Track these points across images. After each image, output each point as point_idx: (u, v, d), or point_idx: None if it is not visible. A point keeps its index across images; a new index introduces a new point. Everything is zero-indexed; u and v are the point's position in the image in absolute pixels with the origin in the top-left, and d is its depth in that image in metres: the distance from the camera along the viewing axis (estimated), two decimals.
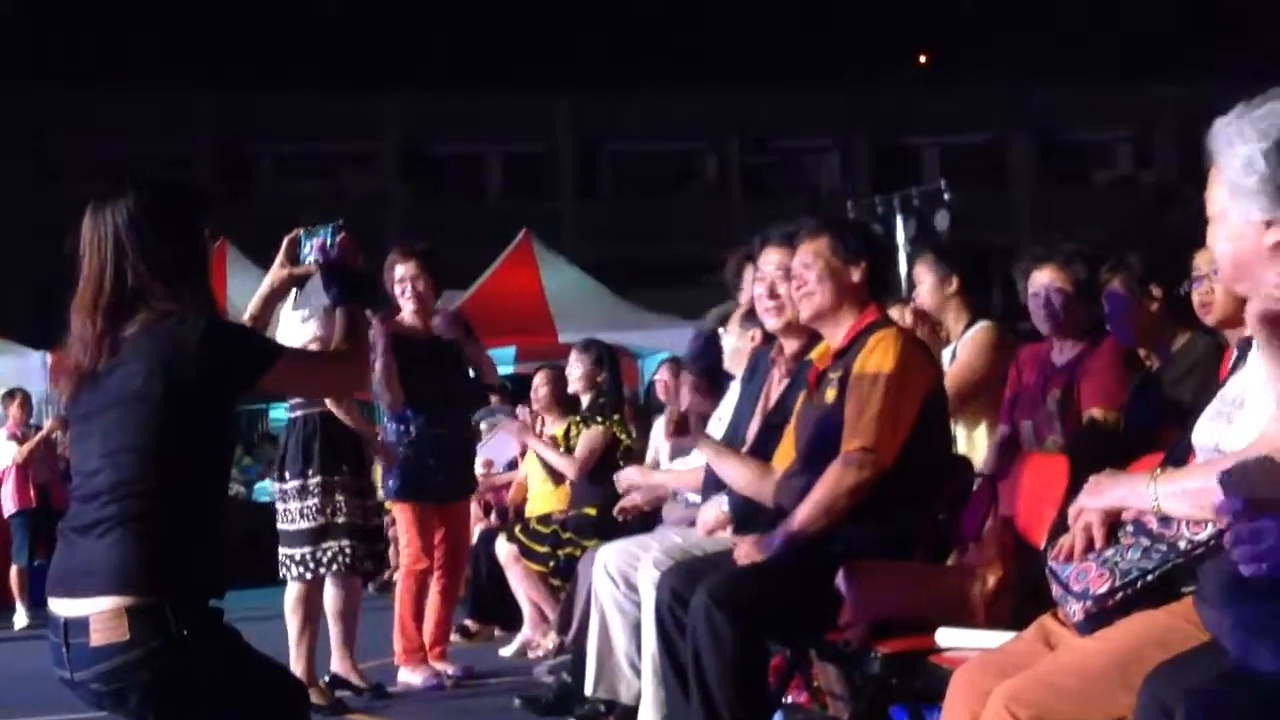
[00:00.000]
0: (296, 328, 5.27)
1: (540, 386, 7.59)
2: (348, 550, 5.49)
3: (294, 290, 3.07)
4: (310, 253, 2.94)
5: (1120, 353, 4.09)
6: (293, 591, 5.54)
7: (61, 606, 2.60)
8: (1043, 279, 4.19)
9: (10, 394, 9.82)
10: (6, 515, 9.85)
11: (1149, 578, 2.32)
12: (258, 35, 27.28)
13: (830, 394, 3.61)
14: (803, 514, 3.50)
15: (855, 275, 3.70)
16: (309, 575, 5.50)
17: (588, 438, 6.81)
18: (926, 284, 4.74)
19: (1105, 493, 2.42)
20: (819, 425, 3.63)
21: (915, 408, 3.52)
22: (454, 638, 7.37)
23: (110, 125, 25.84)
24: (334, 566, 5.51)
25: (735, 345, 4.80)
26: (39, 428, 10.11)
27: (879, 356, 3.53)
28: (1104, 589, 2.34)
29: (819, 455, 3.57)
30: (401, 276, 5.85)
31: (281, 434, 5.96)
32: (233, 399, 2.73)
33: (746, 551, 3.60)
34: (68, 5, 26.27)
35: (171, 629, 2.54)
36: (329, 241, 2.91)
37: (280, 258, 3.04)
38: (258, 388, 2.78)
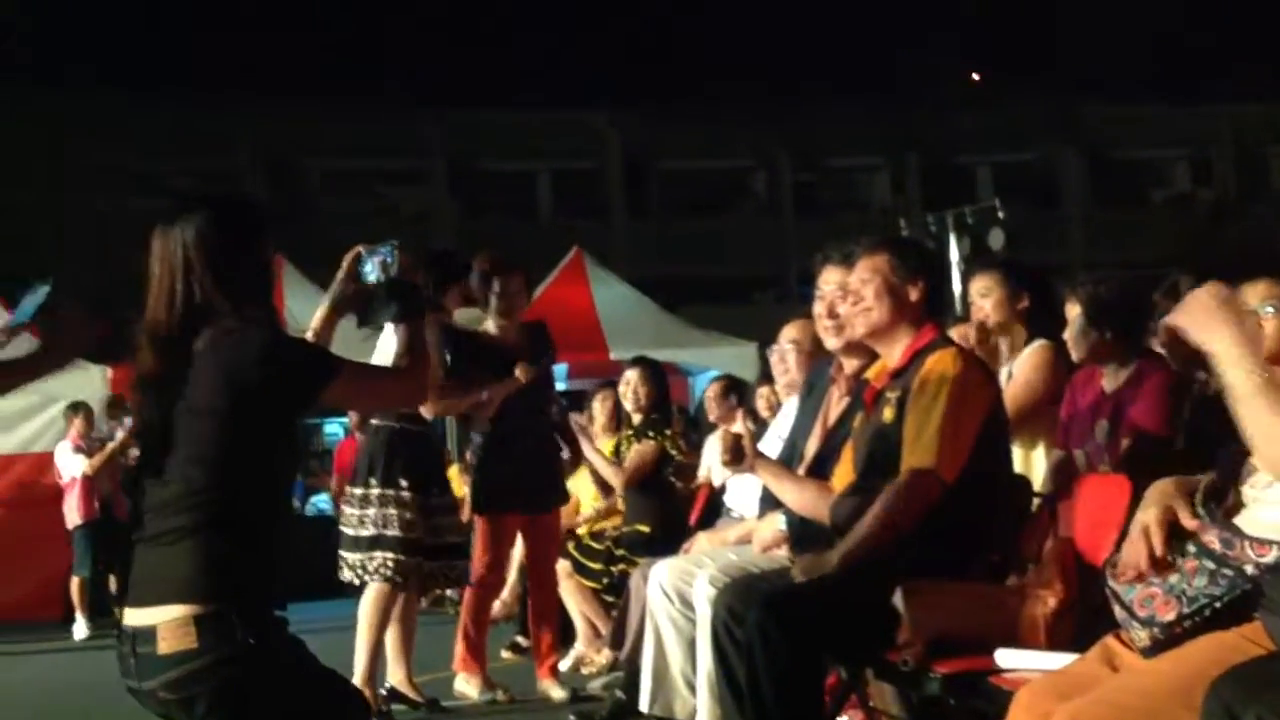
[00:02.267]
0: (358, 344, 5.33)
1: (600, 405, 7.63)
2: (390, 563, 5.52)
3: (356, 307, 3.12)
4: (372, 271, 2.99)
5: (1169, 378, 4.03)
6: (367, 594, 5.60)
7: (130, 616, 2.65)
8: (1075, 304, 4.18)
9: (74, 407, 9.96)
10: (70, 527, 9.97)
11: (1217, 605, 2.30)
12: (310, 52, 27.54)
13: (888, 413, 3.60)
14: (860, 533, 3.49)
15: (914, 293, 3.69)
16: (357, 581, 5.57)
17: (638, 451, 6.83)
18: (995, 298, 4.67)
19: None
20: (876, 444, 3.62)
21: (975, 427, 3.50)
22: (504, 653, 7.40)
23: (163, 141, 26.15)
24: (378, 575, 5.56)
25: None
26: (101, 440, 10.24)
27: (938, 376, 3.51)
28: (1171, 617, 2.32)
29: (877, 474, 3.56)
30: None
31: (334, 448, 6.05)
32: (296, 411, 2.78)
33: (804, 570, 3.59)
34: (122, 19, 26.59)
35: (238, 637, 2.59)
36: (389, 259, 2.97)
37: (342, 275, 3.11)
38: (320, 401, 2.82)
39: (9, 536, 10.56)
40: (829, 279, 4.11)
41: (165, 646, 2.58)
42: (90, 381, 10.77)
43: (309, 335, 3.19)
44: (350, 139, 26.68)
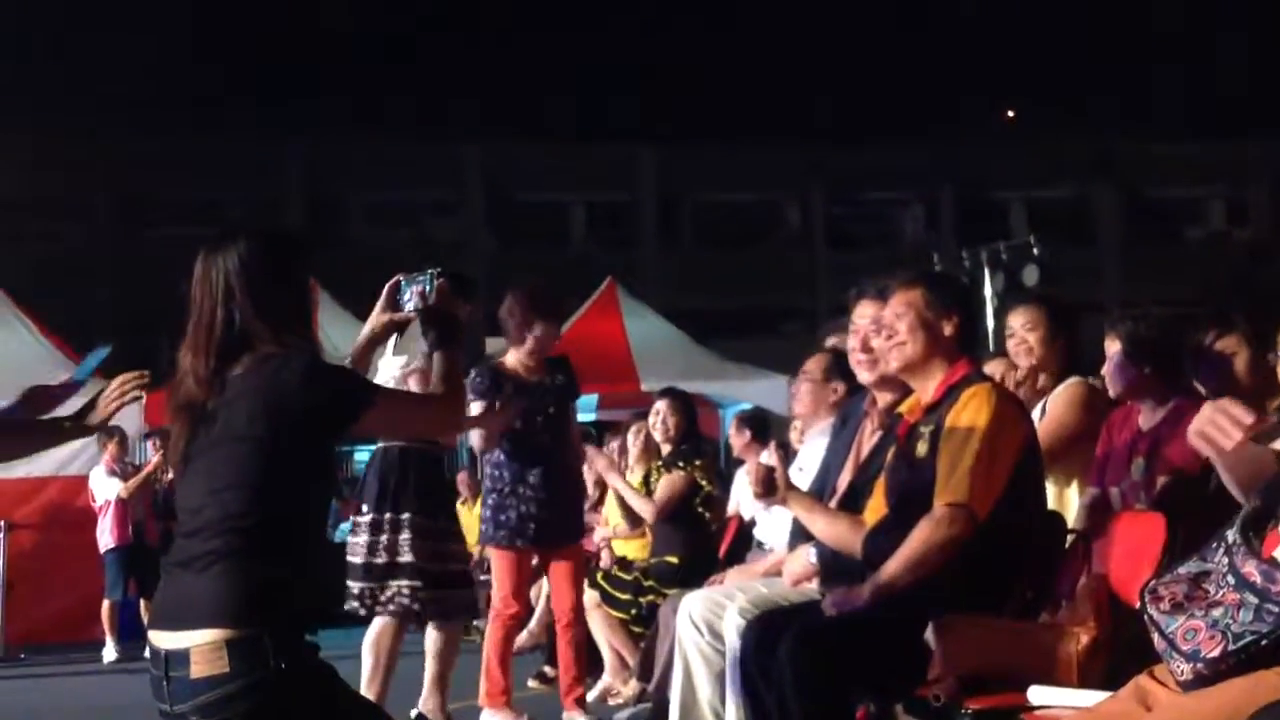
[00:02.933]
0: (395, 373, 5.34)
1: (634, 436, 7.63)
2: (406, 591, 5.46)
3: (394, 336, 3.13)
4: (410, 299, 3.00)
5: None
6: (372, 628, 5.53)
7: (162, 639, 2.65)
8: (1111, 342, 4.15)
9: (109, 431, 10.04)
10: (103, 550, 10.02)
11: (1263, 642, 2.27)
12: (349, 84, 27.83)
13: (921, 448, 3.59)
14: (892, 568, 3.48)
15: (948, 328, 3.68)
16: (363, 611, 5.49)
17: (668, 482, 6.82)
18: (1040, 334, 4.65)
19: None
20: (909, 479, 3.60)
21: (1009, 463, 3.48)
22: (531, 683, 7.39)
23: (202, 171, 26.44)
24: (391, 606, 5.47)
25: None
26: (135, 465, 10.30)
27: (972, 411, 3.50)
28: (1216, 653, 2.29)
29: (910, 509, 3.55)
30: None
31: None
32: (333, 438, 2.79)
33: (834, 603, 3.58)
34: (161, 50, 26.98)
35: (270, 662, 2.59)
36: (428, 288, 2.98)
37: (381, 304, 3.13)
38: (356, 428, 2.83)
39: (42, 559, 10.64)
40: (863, 313, 4.11)
41: (197, 670, 2.59)
42: (125, 407, 10.83)
43: (347, 363, 3.22)
44: (388, 170, 26.89)
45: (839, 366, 5.01)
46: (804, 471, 4.82)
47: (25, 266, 22.06)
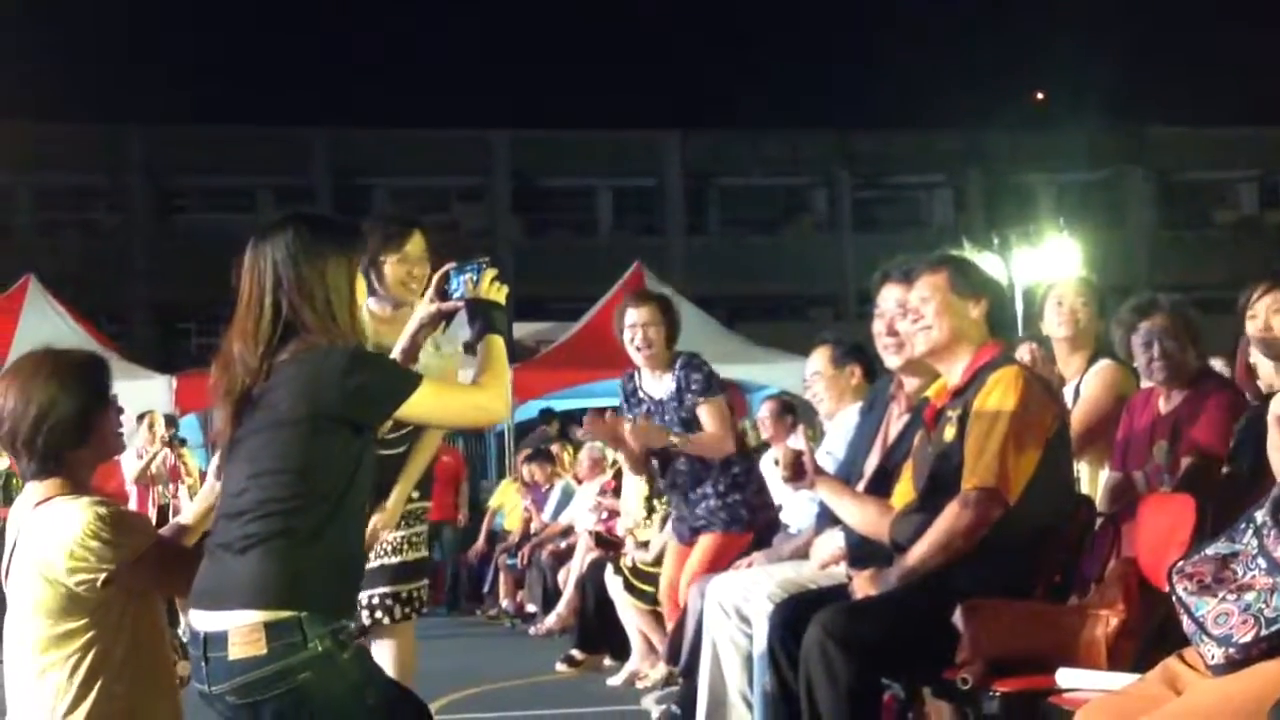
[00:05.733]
0: (440, 361, 5.21)
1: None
2: (420, 593, 4.63)
3: (443, 324, 3.15)
4: (459, 288, 3.03)
5: (1227, 397, 3.98)
6: (403, 634, 4.63)
7: (202, 620, 2.68)
8: (1142, 327, 4.13)
9: (141, 416, 10.12)
10: None
11: None
12: (375, 72, 27.91)
13: (949, 432, 3.57)
14: (920, 551, 3.47)
15: (974, 311, 3.66)
16: (387, 620, 4.56)
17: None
18: (1089, 311, 4.64)
19: None
20: (937, 463, 3.59)
21: (1038, 446, 3.46)
22: (560, 667, 7.42)
23: (230, 159, 26.58)
24: (409, 609, 4.62)
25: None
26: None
27: (1000, 394, 3.48)
28: (1249, 637, 2.29)
29: (937, 493, 3.54)
30: (633, 322, 5.47)
31: None
32: (374, 426, 2.81)
33: (862, 587, 3.58)
34: (189, 42, 27.14)
35: (308, 644, 2.61)
36: (475, 277, 3.02)
37: (430, 293, 3.16)
38: (399, 416, 2.83)
39: None
40: (888, 296, 4.08)
41: (236, 652, 2.61)
42: (156, 391, 10.94)
43: (396, 353, 3.24)
44: (415, 157, 26.96)
45: (847, 351, 5.00)
46: (831, 455, 4.82)
47: (60, 255, 22.28)
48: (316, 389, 2.67)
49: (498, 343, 2.95)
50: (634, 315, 5.43)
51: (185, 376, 12.36)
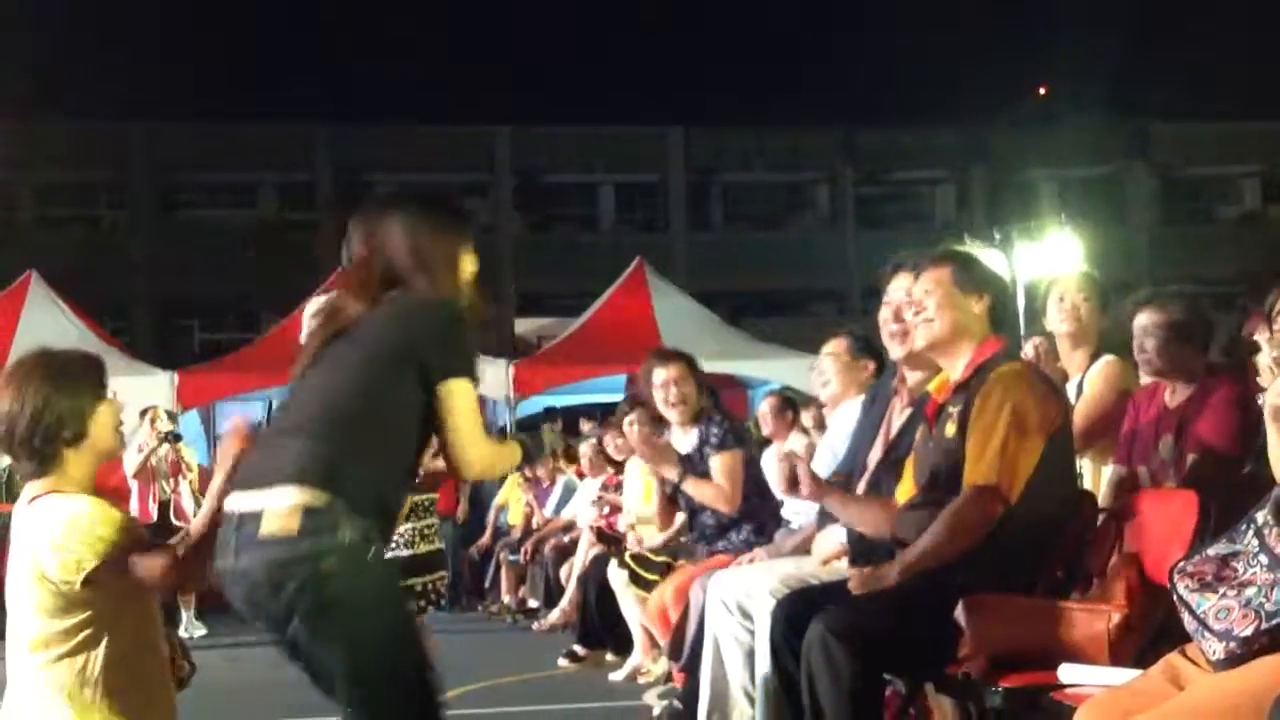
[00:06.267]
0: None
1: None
2: (441, 584, 5.02)
3: None
4: None
5: (1235, 392, 3.97)
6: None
7: (239, 501, 2.76)
8: (1143, 320, 4.12)
9: (144, 412, 10.12)
10: None
11: None
12: (377, 68, 27.90)
13: (950, 428, 3.56)
14: (921, 548, 3.47)
15: (977, 307, 3.66)
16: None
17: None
18: (1090, 305, 4.63)
19: None
20: (938, 459, 3.59)
21: (1039, 444, 3.45)
22: (562, 662, 7.43)
23: (232, 155, 26.58)
24: (432, 599, 4.98)
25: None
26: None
27: (1001, 391, 3.47)
28: (1249, 631, 2.29)
29: (939, 489, 3.53)
30: (663, 380, 5.54)
31: None
32: (434, 385, 2.86)
33: (862, 583, 3.57)
34: (190, 41, 27.15)
35: (339, 533, 2.67)
36: None
37: None
38: (442, 390, 2.86)
39: None
40: (898, 287, 4.06)
41: (268, 527, 2.68)
42: (157, 387, 10.94)
43: None
44: (417, 152, 26.94)
45: (866, 346, 5.00)
46: (831, 448, 4.81)
47: (62, 251, 22.27)
48: (397, 329, 2.84)
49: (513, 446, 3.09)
50: (661, 374, 5.53)
51: (187, 372, 12.38)
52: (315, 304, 4.33)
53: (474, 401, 2.87)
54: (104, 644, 2.83)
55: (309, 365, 2.90)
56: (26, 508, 2.92)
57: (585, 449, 10.42)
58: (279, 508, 2.67)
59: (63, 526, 2.82)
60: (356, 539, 2.68)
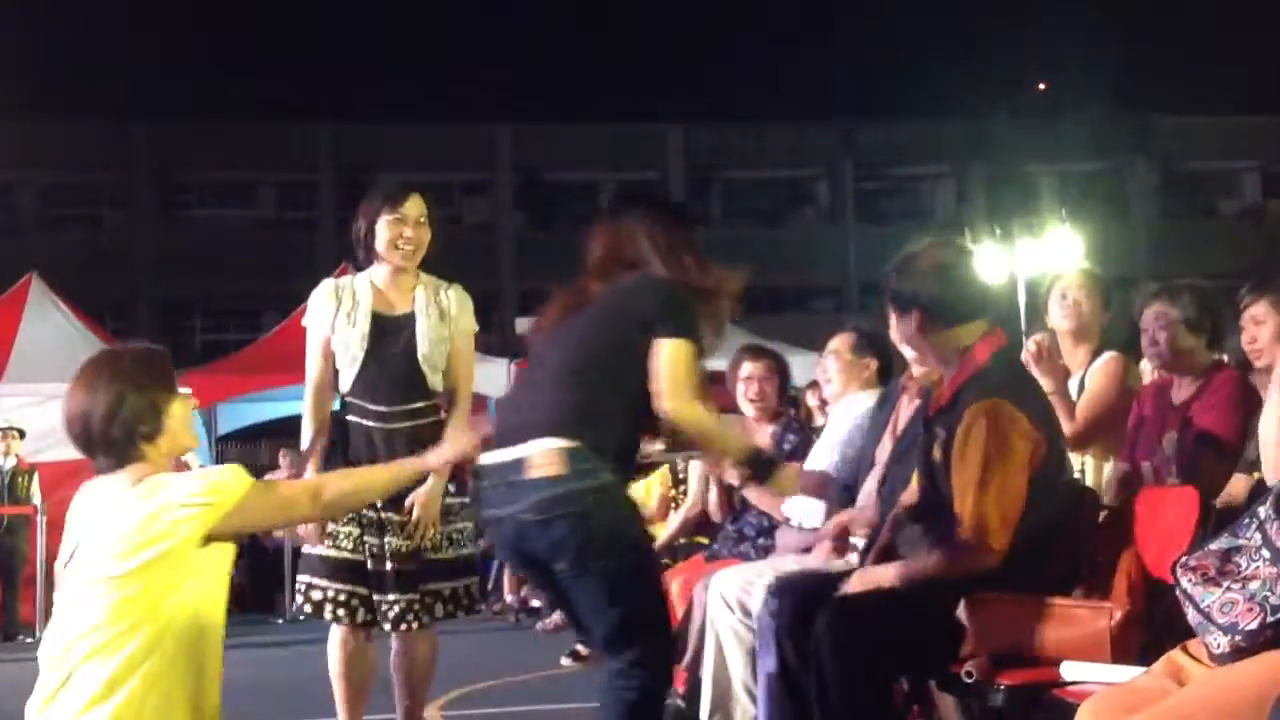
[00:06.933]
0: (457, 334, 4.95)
1: None
2: (474, 589, 4.64)
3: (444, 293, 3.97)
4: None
5: (1240, 387, 3.96)
6: (427, 640, 4.45)
7: (498, 455, 3.08)
8: (1152, 313, 4.10)
9: None
10: None
11: None
12: (377, 68, 27.89)
13: (937, 452, 3.44)
14: (917, 568, 3.41)
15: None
16: (441, 614, 4.48)
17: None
18: (1091, 303, 4.62)
19: None
20: (929, 480, 3.52)
21: (1020, 481, 3.30)
22: (565, 661, 7.43)
23: (233, 155, 26.59)
24: (464, 604, 4.56)
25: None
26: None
27: (976, 441, 3.29)
28: (1254, 625, 2.28)
29: (933, 508, 3.49)
30: (748, 375, 5.49)
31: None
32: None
33: (861, 581, 3.53)
34: (192, 38, 27.14)
35: (600, 474, 3.02)
36: None
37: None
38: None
39: None
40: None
41: (535, 472, 2.99)
42: None
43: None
44: (418, 151, 26.96)
45: (869, 342, 5.00)
46: (831, 443, 4.81)
47: (65, 251, 22.29)
48: (641, 294, 3.22)
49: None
50: (747, 369, 5.51)
51: (189, 373, 12.38)
52: (326, 286, 4.29)
53: (687, 360, 3.17)
54: (164, 628, 2.78)
55: (548, 336, 3.28)
56: (107, 494, 2.86)
57: None
58: (544, 452, 2.98)
59: (176, 490, 2.81)
60: (613, 479, 3.03)
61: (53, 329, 11.84)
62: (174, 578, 2.79)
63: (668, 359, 3.15)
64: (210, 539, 2.83)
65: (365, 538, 4.18)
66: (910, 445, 3.83)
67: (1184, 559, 2.47)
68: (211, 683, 2.87)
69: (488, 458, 3.12)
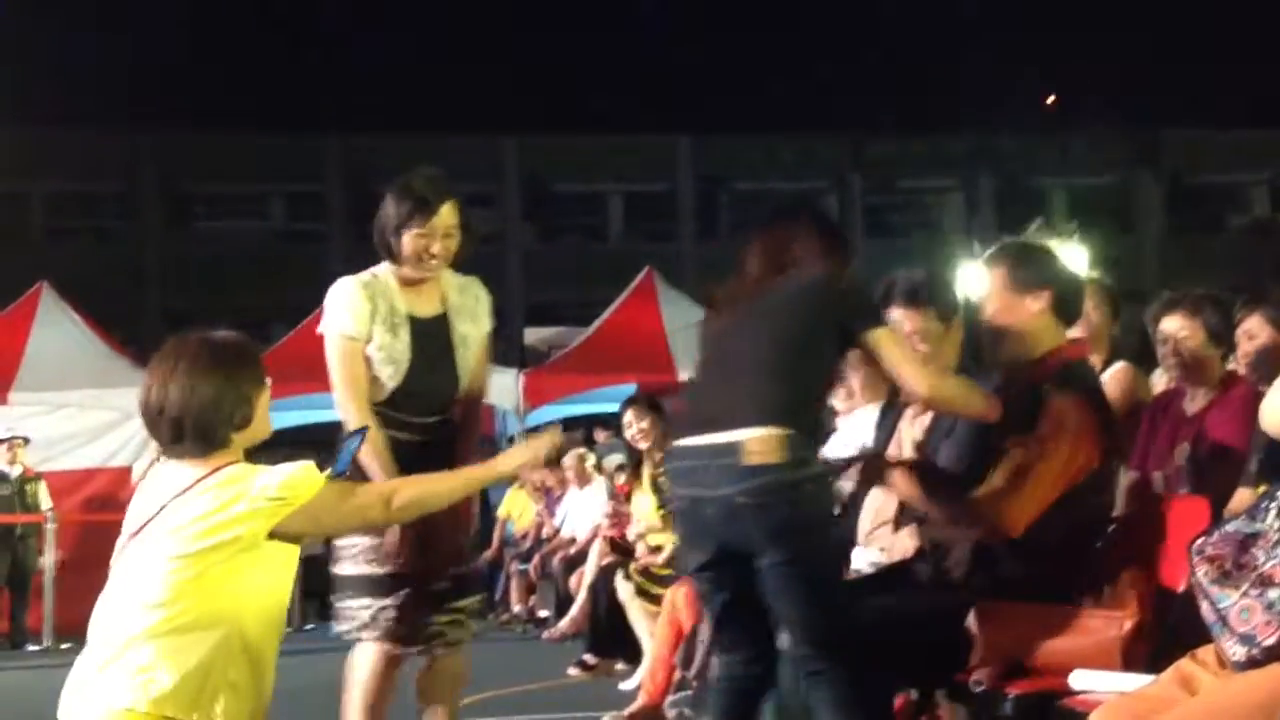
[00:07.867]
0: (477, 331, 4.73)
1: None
2: None
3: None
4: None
5: (1254, 401, 3.95)
6: (459, 658, 4.33)
7: (705, 439, 3.14)
8: (1171, 326, 4.08)
9: None
10: None
11: None
12: (386, 78, 27.96)
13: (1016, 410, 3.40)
14: (941, 513, 3.51)
15: (1035, 305, 3.52)
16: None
17: None
18: (1101, 313, 4.61)
19: None
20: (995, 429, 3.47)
21: (1062, 484, 3.33)
22: (572, 671, 7.43)
23: (241, 166, 26.65)
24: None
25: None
26: None
27: (1055, 422, 3.32)
28: (1272, 640, 2.27)
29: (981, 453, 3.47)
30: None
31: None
32: (850, 333, 3.34)
33: (864, 475, 3.47)
34: (199, 49, 27.24)
35: (815, 462, 3.14)
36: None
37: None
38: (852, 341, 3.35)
39: (90, 549, 10.75)
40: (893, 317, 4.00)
41: (754, 458, 3.05)
42: None
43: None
44: (426, 162, 26.88)
45: None
46: (842, 443, 4.80)
47: (73, 262, 22.34)
48: (824, 293, 3.34)
49: None
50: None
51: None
52: (352, 285, 4.05)
53: (900, 339, 3.39)
54: (228, 614, 2.78)
55: (725, 329, 3.41)
56: (189, 481, 2.84)
57: (569, 460, 10.37)
58: (761, 438, 3.04)
59: (274, 473, 2.82)
60: (823, 469, 3.15)
61: (64, 338, 11.86)
62: (236, 566, 2.79)
63: (889, 348, 3.29)
64: (275, 535, 2.81)
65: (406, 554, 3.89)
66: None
67: (1200, 542, 2.44)
68: (263, 678, 2.86)
69: (689, 440, 3.19)
